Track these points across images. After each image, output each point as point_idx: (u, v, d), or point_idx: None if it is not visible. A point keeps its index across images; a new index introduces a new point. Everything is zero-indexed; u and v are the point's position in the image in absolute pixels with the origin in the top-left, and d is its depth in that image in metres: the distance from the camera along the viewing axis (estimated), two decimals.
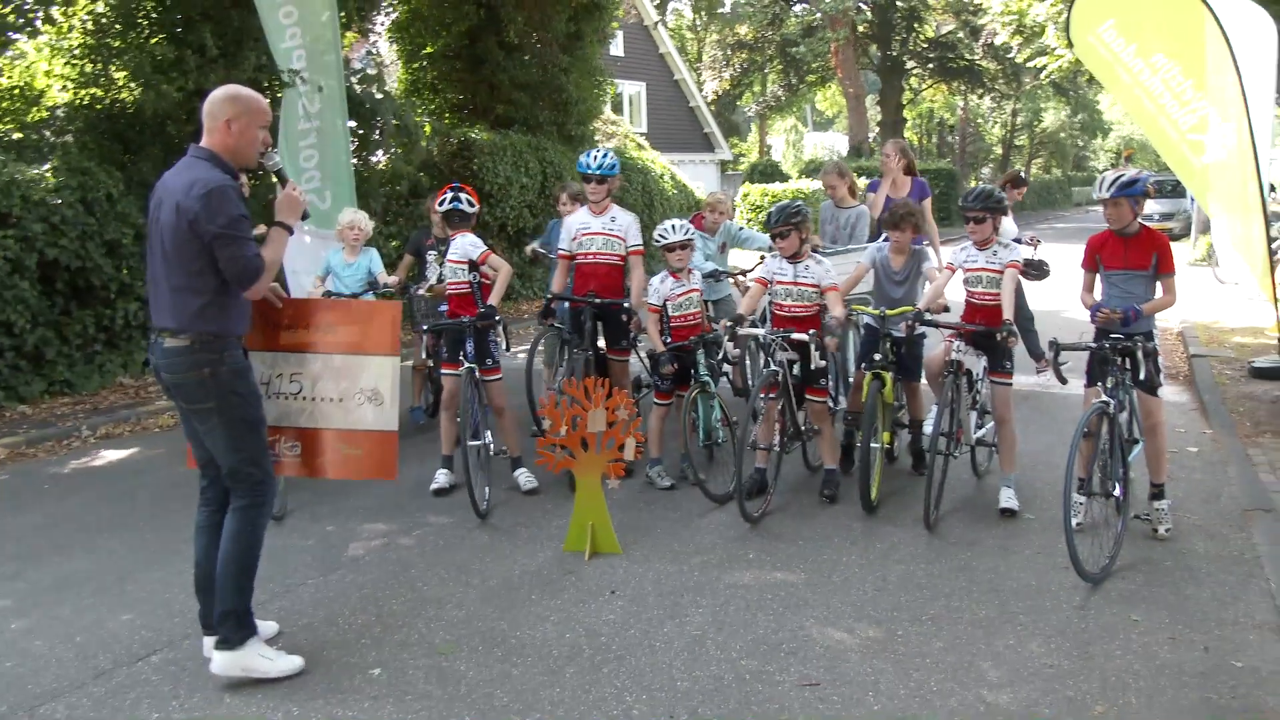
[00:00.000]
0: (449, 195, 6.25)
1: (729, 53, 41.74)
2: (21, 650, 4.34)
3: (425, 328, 7.06)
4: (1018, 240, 8.77)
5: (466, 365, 6.04)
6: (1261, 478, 6.39)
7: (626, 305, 6.61)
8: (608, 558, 5.27)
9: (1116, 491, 5.10)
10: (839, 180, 7.86)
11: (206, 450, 4.05)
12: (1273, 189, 15.90)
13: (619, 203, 6.88)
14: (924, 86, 46.57)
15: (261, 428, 4.06)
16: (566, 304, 6.85)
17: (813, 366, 5.88)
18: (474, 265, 6.21)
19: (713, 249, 7.85)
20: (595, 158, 6.59)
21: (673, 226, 6.33)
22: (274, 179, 4.20)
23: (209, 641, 4.08)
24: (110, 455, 7.71)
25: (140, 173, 10.14)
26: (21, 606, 4.82)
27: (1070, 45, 10.35)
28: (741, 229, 8.31)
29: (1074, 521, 5.29)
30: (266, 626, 4.33)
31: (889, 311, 5.96)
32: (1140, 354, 5.00)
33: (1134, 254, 5.31)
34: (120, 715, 3.79)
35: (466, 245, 6.22)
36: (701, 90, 37.85)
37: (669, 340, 6.32)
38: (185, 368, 3.85)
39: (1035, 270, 9.01)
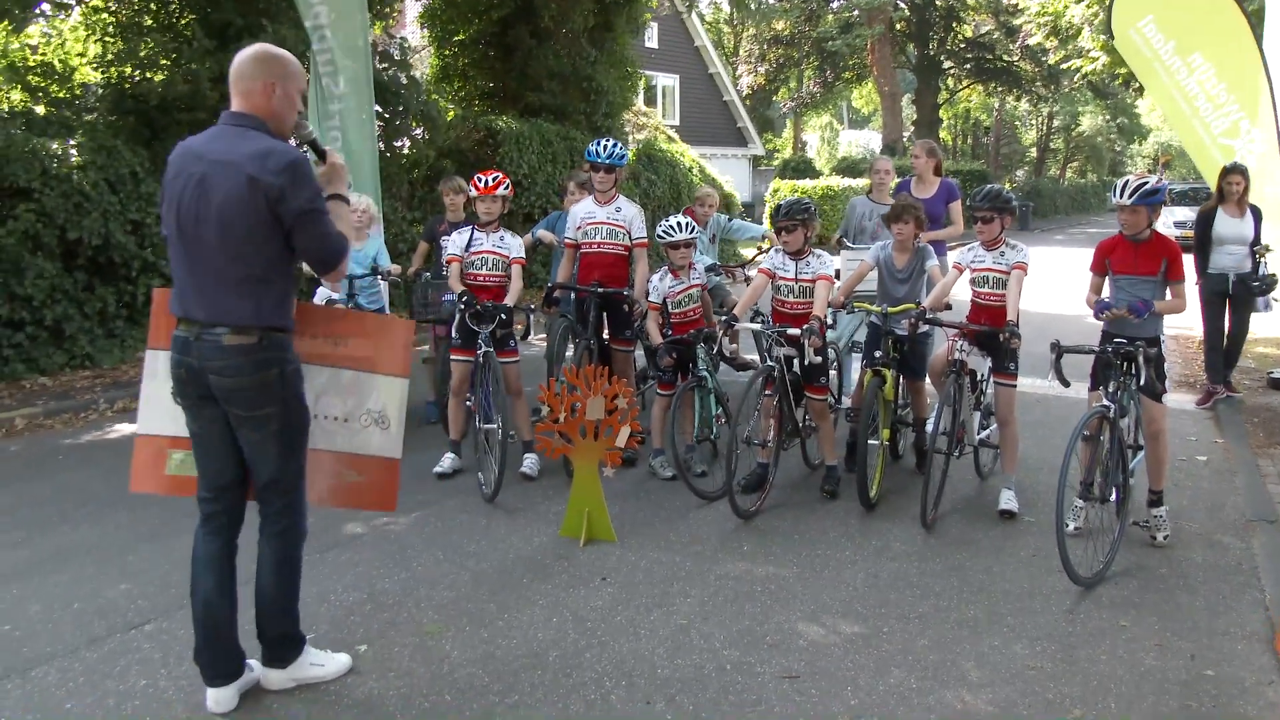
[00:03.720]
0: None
1: (765, 48, 41.59)
2: (18, 615, 4.43)
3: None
4: (1257, 245, 8.33)
5: (483, 349, 6.09)
6: (1269, 488, 6.32)
7: (627, 293, 6.62)
8: (602, 545, 5.30)
9: (1114, 496, 5.07)
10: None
11: (232, 467, 3.59)
12: None
13: (643, 195, 6.91)
14: (960, 87, 46.20)
15: (307, 436, 3.72)
16: (572, 293, 6.87)
17: (806, 363, 5.88)
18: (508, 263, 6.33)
19: (705, 241, 7.90)
20: (605, 147, 6.59)
21: (677, 224, 6.35)
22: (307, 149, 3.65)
23: (215, 694, 3.63)
24: (125, 429, 7.82)
25: (165, 153, 10.25)
26: (23, 572, 4.92)
27: (1112, 38, 10.26)
28: (732, 220, 8.49)
29: (1071, 526, 5.29)
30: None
31: (891, 309, 5.94)
32: (1141, 359, 4.97)
33: (1144, 260, 5.28)
34: (110, 681, 3.86)
35: (519, 245, 6.41)
36: (736, 85, 37.78)
37: (669, 335, 6.34)
38: (251, 369, 3.38)
39: (1264, 285, 8.65)
